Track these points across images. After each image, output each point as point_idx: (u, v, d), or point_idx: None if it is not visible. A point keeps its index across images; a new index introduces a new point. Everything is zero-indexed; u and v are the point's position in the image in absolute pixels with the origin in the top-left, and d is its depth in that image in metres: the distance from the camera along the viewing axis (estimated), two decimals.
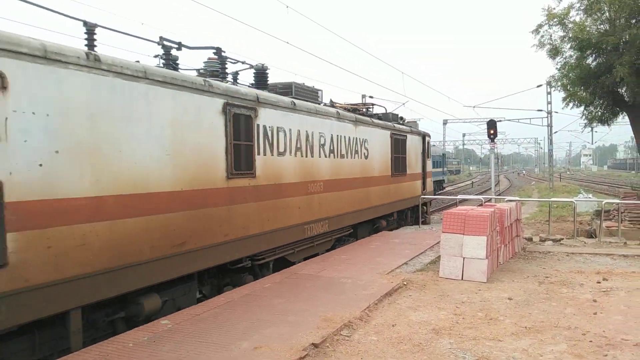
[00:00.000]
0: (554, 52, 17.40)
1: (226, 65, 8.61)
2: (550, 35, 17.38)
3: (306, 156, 10.01)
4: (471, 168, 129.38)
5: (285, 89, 10.39)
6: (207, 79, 7.39)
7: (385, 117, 15.53)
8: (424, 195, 17.38)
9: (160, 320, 6.13)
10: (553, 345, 5.38)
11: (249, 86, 9.37)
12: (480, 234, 8.41)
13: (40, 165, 4.96)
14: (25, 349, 5.13)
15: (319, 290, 7.53)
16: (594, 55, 16.94)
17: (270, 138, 8.71)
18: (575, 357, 5.07)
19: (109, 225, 5.62)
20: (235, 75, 9.47)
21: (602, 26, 16.63)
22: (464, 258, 8.45)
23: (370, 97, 35.57)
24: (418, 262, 9.86)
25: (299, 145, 9.72)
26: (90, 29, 6.22)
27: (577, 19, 16.77)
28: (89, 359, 4.96)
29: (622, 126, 39.17)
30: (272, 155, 8.80)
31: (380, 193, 13.84)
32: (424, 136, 18.34)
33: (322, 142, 10.66)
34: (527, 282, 8.31)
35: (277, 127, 8.95)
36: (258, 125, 8.35)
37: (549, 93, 37.07)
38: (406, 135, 16.09)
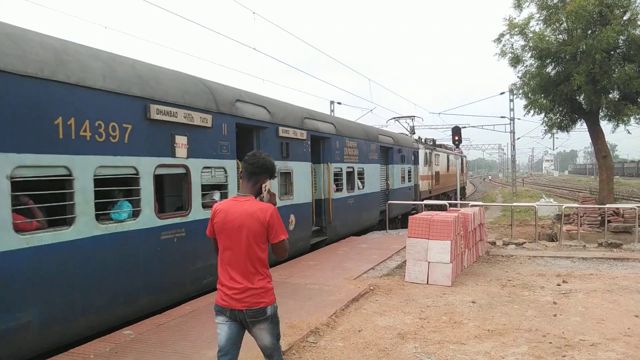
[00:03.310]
0: (515, 60, 17.87)
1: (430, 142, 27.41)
2: (512, 45, 17.85)
3: (442, 166, 30.00)
4: None
5: (434, 143, 28.23)
6: (443, 150, 31.12)
7: (449, 148, 33.10)
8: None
9: (122, 330, 5.99)
10: (515, 348, 5.50)
11: (439, 146, 30.19)
12: (444, 238, 8.54)
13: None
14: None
15: (285, 297, 7.49)
16: (553, 64, 17.48)
17: (450, 162, 32.33)
18: (535, 359, 5.19)
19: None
20: (434, 142, 28.51)
21: (560, 36, 17.18)
22: (429, 262, 8.56)
23: (339, 103, 35.83)
24: (384, 267, 9.94)
25: (446, 164, 31.25)
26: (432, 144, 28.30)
27: (537, 28, 17.28)
28: None
29: (581, 132, 40.50)
30: (449, 167, 32.26)
31: (453, 181, 31.34)
32: (464, 156, 44.40)
33: (449, 161, 32.01)
34: (490, 285, 8.48)
35: (447, 158, 31.80)
36: (450, 159, 32.36)
37: (511, 100, 38.01)
38: (462, 157, 37.85)
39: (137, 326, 6.17)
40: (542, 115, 18.88)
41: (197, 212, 7.55)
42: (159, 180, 7.37)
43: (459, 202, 18.85)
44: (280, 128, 10.36)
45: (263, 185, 3.71)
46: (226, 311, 3.58)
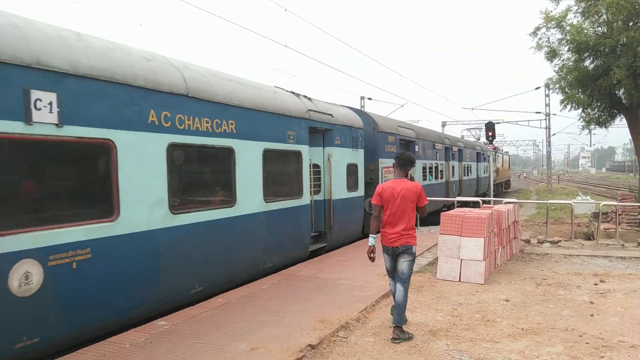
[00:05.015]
0: (552, 54, 17.42)
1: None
2: (548, 38, 17.39)
3: (500, 164, 39.97)
4: None
5: (494, 147, 29.50)
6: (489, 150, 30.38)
7: (498, 149, 38.51)
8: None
9: (157, 321, 6.12)
10: (550, 347, 5.38)
11: (497, 149, 35.91)
12: (477, 235, 8.42)
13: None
14: None
15: (315, 292, 7.53)
16: (591, 58, 16.96)
17: (503, 160, 44.26)
18: (571, 359, 5.07)
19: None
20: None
21: (599, 29, 16.66)
22: (461, 260, 8.45)
23: (369, 99, 35.65)
24: (415, 264, 9.80)
25: (502, 162, 41.98)
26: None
27: (575, 21, 16.79)
28: None
29: (620, 128, 39.21)
30: (503, 164, 43.29)
31: (504, 174, 44.61)
32: (510, 155, 55.27)
33: (503, 160, 43.09)
34: (525, 283, 8.32)
35: (502, 157, 43.01)
36: (504, 158, 45.79)
37: (547, 95, 37.14)
38: (510, 156, 53.29)
39: (171, 317, 6.29)
40: (580, 110, 18.35)
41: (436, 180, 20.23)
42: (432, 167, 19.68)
43: (492, 199, 18.51)
44: (453, 147, 23.02)
45: (409, 172, 6.13)
46: (389, 249, 5.86)
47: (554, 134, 43.67)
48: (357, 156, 12.40)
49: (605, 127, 19.26)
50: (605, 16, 16.15)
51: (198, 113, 6.94)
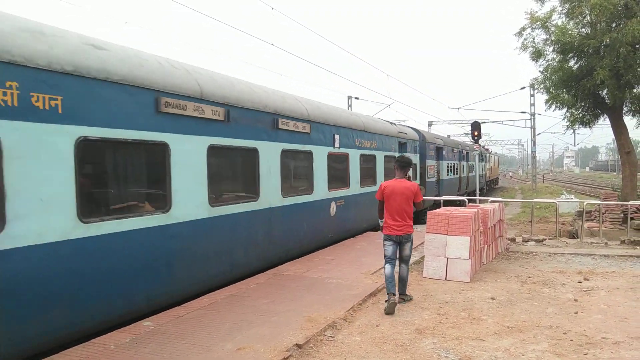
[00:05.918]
0: (537, 54, 17.57)
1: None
2: (533, 38, 17.55)
3: (491, 163, 48.01)
4: None
5: (483, 148, 41.88)
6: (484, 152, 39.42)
7: (489, 151, 50.81)
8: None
9: (142, 322, 6.07)
10: (535, 345, 5.43)
11: (487, 150, 49.90)
12: (463, 234, 8.47)
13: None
14: None
15: (303, 291, 7.51)
16: (575, 58, 17.14)
17: (493, 160, 50.50)
18: (556, 356, 5.12)
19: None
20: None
21: (583, 29, 16.84)
22: (447, 258, 8.50)
23: (356, 98, 35.71)
24: None
25: (492, 161, 49.20)
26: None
27: (560, 22, 16.97)
28: None
29: (603, 128, 39.86)
30: (493, 164, 50.26)
31: (495, 173, 52.54)
32: (499, 156, 75.52)
33: (492, 160, 49.07)
34: (510, 282, 8.39)
35: (493, 158, 50.71)
36: (494, 158, 53.60)
37: (532, 95, 37.47)
38: (497, 157, 63.56)
39: (157, 318, 6.24)
40: (564, 110, 18.56)
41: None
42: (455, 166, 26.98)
43: (477, 197, 18.65)
44: (463, 150, 28.18)
45: (408, 173, 7.26)
46: (392, 237, 6.93)
47: (539, 134, 44.05)
48: (416, 158, 18.43)
49: (589, 126, 19.50)
50: (589, 17, 16.33)
51: (366, 138, 13.52)
